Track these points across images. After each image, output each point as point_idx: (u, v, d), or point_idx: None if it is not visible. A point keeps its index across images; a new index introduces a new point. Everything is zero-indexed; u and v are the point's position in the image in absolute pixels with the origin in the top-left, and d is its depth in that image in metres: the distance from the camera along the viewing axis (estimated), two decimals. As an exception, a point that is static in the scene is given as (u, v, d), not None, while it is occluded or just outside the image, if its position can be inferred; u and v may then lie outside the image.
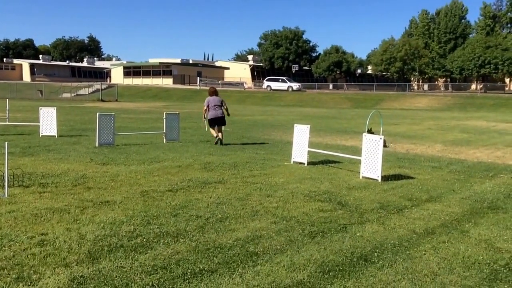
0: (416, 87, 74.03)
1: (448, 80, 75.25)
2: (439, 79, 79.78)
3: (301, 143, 9.84)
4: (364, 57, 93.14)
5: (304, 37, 79.08)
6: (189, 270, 3.98)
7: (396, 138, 15.88)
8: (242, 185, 7.51)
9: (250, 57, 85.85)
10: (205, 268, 4.03)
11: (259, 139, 14.88)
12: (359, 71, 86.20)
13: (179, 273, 3.92)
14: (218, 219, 5.49)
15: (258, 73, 77.64)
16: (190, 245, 4.58)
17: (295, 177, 8.39)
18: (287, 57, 76.09)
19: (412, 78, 76.13)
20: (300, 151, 9.87)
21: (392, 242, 4.93)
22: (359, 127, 19.99)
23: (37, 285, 3.59)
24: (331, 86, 69.78)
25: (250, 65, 78.75)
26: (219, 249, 4.51)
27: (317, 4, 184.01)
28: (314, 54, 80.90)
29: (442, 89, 67.09)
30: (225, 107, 13.03)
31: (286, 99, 51.38)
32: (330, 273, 4.05)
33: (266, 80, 63.20)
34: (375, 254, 4.55)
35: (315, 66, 75.77)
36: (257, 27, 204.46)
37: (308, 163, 9.70)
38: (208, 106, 12.86)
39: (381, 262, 4.36)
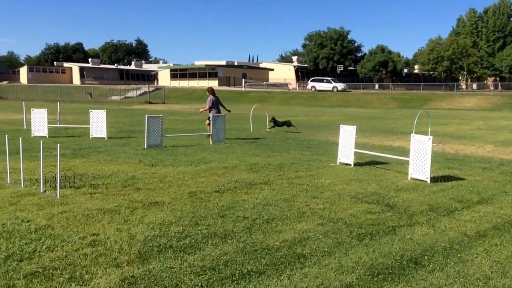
0: (464, 87, 71.65)
1: (498, 79, 72.47)
2: (488, 78, 77.05)
3: (347, 144, 9.72)
4: (410, 57, 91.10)
5: (349, 37, 78.29)
6: (237, 271, 4.00)
7: (445, 139, 15.42)
8: (288, 186, 7.49)
9: (294, 58, 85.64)
10: (253, 270, 4.05)
11: (304, 139, 14.81)
12: (405, 70, 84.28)
13: (227, 274, 3.95)
14: (264, 220, 5.50)
15: (302, 74, 77.34)
16: (238, 246, 4.61)
17: (342, 178, 8.30)
18: (331, 57, 75.48)
19: (460, 78, 73.78)
20: (346, 152, 9.74)
21: (442, 245, 4.79)
22: (406, 128, 19.54)
23: (89, 285, 3.69)
24: (377, 86, 68.59)
25: (294, 66, 78.57)
26: (266, 250, 4.51)
27: (362, 4, 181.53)
28: (359, 54, 79.91)
29: (492, 88, 64.48)
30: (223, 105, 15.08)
31: (331, 100, 50.92)
32: (380, 276, 3.97)
33: (311, 81, 62.80)
34: (426, 257, 4.44)
35: (360, 66, 74.78)
36: (302, 28, 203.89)
37: (355, 164, 9.57)
38: (212, 104, 14.57)
39: (431, 265, 4.24)
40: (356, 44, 79.71)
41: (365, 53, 78.70)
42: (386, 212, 6.04)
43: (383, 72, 75.97)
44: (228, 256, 4.33)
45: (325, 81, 60.92)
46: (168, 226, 5.22)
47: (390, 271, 4.09)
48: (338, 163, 9.82)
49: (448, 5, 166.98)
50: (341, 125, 10.13)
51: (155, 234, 4.93)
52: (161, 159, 9.99)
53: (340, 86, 59.24)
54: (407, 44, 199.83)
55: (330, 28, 78.27)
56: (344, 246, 4.72)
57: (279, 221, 5.49)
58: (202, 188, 7.22)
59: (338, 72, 73.93)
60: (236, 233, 5.00)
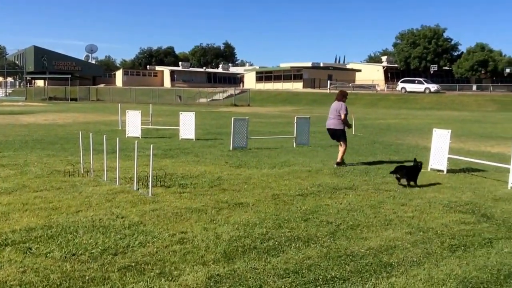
0: None
1: None
2: None
3: (440, 149, 9.26)
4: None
5: (445, 35, 74.35)
6: (321, 276, 3.94)
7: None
8: (374, 192, 7.28)
9: (383, 58, 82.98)
10: (337, 276, 3.97)
11: (392, 143, 14.32)
12: (507, 70, 78.33)
13: (310, 278, 3.90)
14: (349, 226, 5.38)
15: (392, 75, 74.94)
16: (321, 251, 4.55)
17: (433, 185, 7.90)
18: (425, 57, 72.23)
19: None
20: (438, 158, 9.28)
21: (548, 262, 4.38)
22: (507, 132, 18.25)
23: (177, 281, 3.82)
24: (474, 87, 64.46)
25: (383, 67, 76.36)
26: (351, 257, 4.41)
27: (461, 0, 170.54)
28: (455, 53, 75.64)
29: None
30: (340, 115, 10.06)
31: (422, 102, 48.79)
32: (474, 292, 3.72)
33: (401, 82, 60.47)
34: (528, 274, 4.08)
35: (456, 66, 70.85)
36: (392, 27, 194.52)
37: (448, 171, 9.08)
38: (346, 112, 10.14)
39: (535, 284, 3.90)
40: (452, 43, 75.51)
41: (462, 52, 74.33)
42: (482, 223, 5.66)
43: (482, 72, 71.31)
44: (311, 261, 4.29)
45: (416, 82, 58.40)
46: (252, 227, 5.27)
47: (485, 286, 3.83)
48: (429, 169, 9.37)
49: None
50: (434, 129, 9.67)
51: (239, 234, 5.00)
52: (246, 161, 10.14)
53: (433, 87, 56.48)
54: (510, 42, 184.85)
55: (424, 26, 74.89)
56: (434, 257, 4.48)
57: (364, 228, 5.34)
58: (286, 191, 7.23)
59: (432, 72, 70.58)
60: (320, 238, 4.94)
